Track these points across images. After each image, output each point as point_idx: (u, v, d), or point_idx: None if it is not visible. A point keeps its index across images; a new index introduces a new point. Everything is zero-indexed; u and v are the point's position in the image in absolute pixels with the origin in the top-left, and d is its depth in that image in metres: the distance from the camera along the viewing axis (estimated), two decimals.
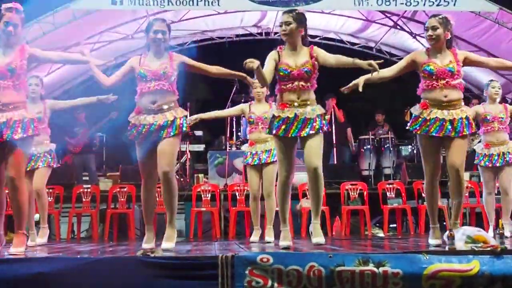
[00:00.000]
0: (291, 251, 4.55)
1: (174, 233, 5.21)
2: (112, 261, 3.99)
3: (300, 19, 5.10)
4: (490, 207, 7.02)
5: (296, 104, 5.01)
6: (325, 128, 5.09)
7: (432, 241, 5.15)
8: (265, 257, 3.91)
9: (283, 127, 4.98)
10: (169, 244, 5.04)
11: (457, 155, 5.04)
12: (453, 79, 5.02)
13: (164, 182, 5.05)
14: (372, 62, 4.84)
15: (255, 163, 6.69)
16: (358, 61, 4.94)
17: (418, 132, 5.08)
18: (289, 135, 4.98)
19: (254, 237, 6.83)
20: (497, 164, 6.79)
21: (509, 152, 6.79)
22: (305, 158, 5.07)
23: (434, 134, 5.01)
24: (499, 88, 7.00)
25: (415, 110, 5.15)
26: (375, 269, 3.88)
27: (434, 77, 5.01)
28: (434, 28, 5.06)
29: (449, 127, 4.98)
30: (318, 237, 5.02)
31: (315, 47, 5.16)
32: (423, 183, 8.61)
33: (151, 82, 5.04)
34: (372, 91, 17.31)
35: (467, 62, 5.17)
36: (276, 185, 5.53)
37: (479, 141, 7.16)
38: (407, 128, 5.24)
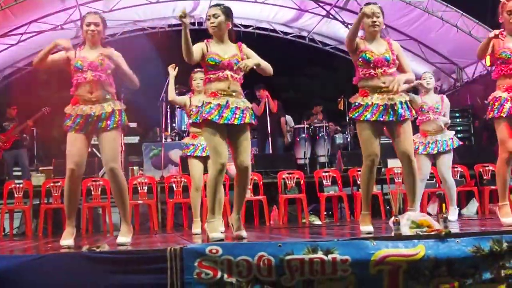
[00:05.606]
0: (241, 242, 4.51)
1: (130, 228, 5.12)
2: (56, 257, 3.87)
3: (227, 13, 5.07)
4: (419, 193, 6.98)
5: (225, 93, 4.93)
6: (253, 122, 5.05)
7: (364, 227, 5.09)
8: (214, 249, 3.88)
9: (215, 112, 4.86)
10: (124, 238, 4.97)
11: (408, 142, 5.09)
12: (389, 68, 5.04)
13: (112, 178, 4.98)
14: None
15: (198, 154, 6.65)
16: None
17: (361, 118, 5.01)
18: (222, 121, 4.86)
19: (196, 229, 6.76)
20: (433, 152, 7.00)
21: (445, 141, 7.02)
22: (235, 155, 5.03)
23: (379, 119, 4.98)
24: (431, 78, 7.22)
25: (355, 98, 5.11)
26: (324, 256, 3.90)
27: (371, 66, 5.01)
28: (377, 15, 5.08)
29: (391, 112, 5.00)
30: (242, 231, 5.02)
31: (243, 45, 5.16)
32: (358, 171, 8.84)
33: (87, 73, 4.94)
34: (305, 81, 17.46)
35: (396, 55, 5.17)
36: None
37: None
38: (349, 115, 5.20)
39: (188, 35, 4.71)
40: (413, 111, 5.19)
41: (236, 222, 5.10)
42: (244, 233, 5.02)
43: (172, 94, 6.92)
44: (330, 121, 12.24)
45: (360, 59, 5.07)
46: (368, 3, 5.24)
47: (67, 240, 4.90)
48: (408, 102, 5.15)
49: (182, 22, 4.63)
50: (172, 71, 6.82)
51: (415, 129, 6.71)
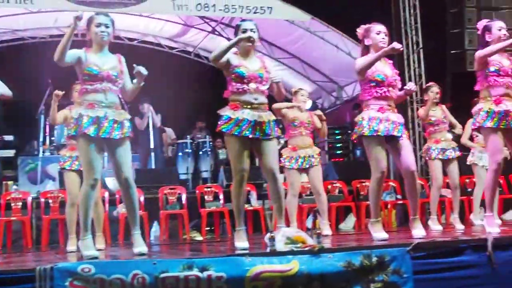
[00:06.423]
0: (115, 260, 4.40)
1: None
2: None
3: (114, 24, 5.08)
4: (293, 208, 7.22)
5: (103, 105, 4.85)
6: (131, 134, 5.00)
7: (239, 244, 5.05)
8: (86, 267, 3.75)
9: (92, 127, 4.76)
10: None
11: (273, 159, 5.15)
12: (262, 85, 5.08)
13: None
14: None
15: (76, 168, 6.47)
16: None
17: (231, 133, 4.98)
18: (100, 135, 4.77)
19: (71, 246, 6.54)
20: (303, 166, 7.16)
21: (313, 156, 7.22)
22: (115, 168, 4.95)
23: (247, 135, 4.98)
24: (307, 97, 7.48)
25: (225, 111, 5.07)
26: (199, 273, 3.87)
27: (245, 81, 5.03)
28: (253, 31, 5.11)
29: (258, 129, 5.02)
30: (140, 247, 4.87)
31: (123, 58, 5.11)
32: None
33: None
34: (192, 95, 17.42)
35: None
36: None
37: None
38: (218, 129, 5.10)
39: (72, 37, 4.69)
40: (279, 130, 5.24)
41: (134, 238, 4.97)
42: (141, 248, 4.85)
43: (54, 117, 6.83)
44: (217, 137, 12.25)
45: (233, 74, 5.06)
46: (244, 20, 5.32)
47: None
48: (275, 121, 5.21)
49: (75, 23, 4.65)
50: (57, 97, 6.68)
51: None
